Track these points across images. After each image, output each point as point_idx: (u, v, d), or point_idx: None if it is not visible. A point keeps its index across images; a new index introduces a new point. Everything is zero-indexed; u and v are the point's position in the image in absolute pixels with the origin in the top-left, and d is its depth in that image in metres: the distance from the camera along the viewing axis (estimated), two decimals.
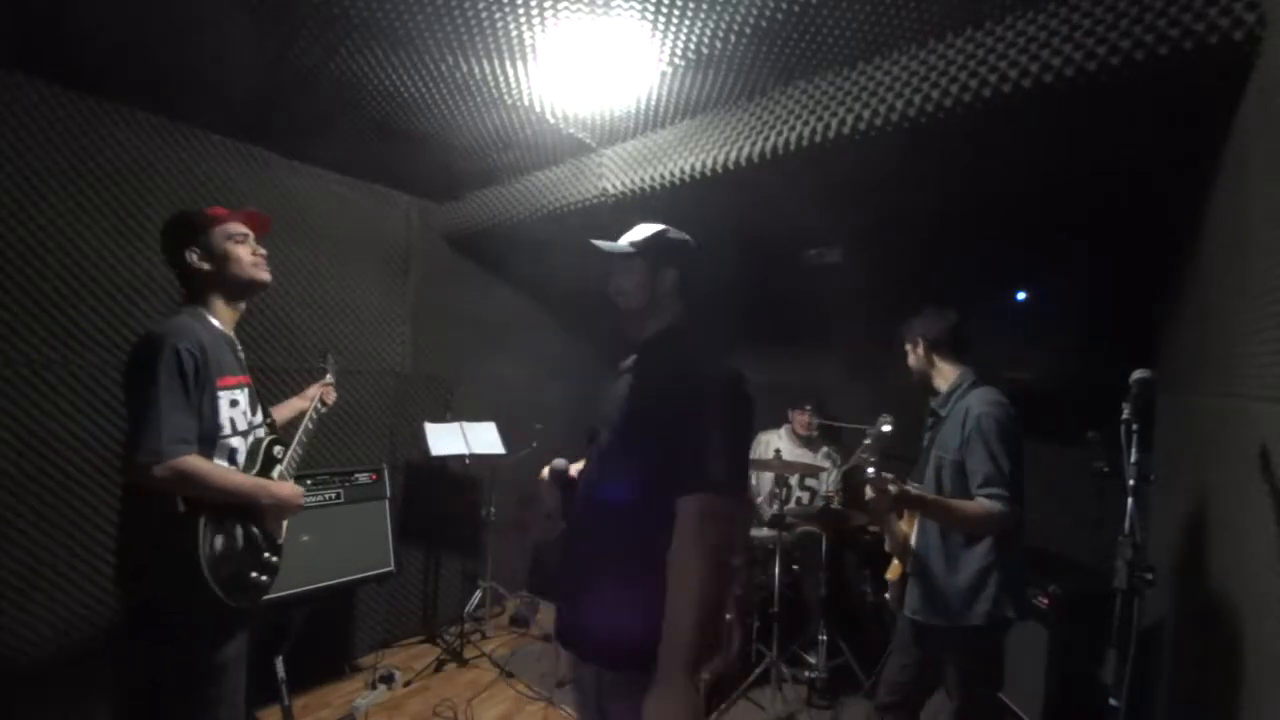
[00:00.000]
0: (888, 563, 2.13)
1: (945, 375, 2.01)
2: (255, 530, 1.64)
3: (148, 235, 2.47)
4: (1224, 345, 1.66)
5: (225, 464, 1.59)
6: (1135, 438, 1.37)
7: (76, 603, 2.31)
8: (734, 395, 1.28)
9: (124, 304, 2.44)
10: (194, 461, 1.46)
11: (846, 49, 1.96)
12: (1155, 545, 2.19)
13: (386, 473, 3.09)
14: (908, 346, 2.09)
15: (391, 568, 2.99)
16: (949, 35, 1.83)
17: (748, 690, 2.85)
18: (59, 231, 2.29)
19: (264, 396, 2.72)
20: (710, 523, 1.16)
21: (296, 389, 2.37)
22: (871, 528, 3.17)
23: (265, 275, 1.69)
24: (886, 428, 1.97)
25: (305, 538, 2.65)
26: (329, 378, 2.21)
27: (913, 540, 1.96)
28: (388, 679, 2.91)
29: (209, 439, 1.54)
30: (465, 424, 3.42)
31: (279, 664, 2.49)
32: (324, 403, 2.11)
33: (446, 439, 3.28)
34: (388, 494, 3.06)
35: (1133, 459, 1.36)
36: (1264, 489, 1.31)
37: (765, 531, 3.22)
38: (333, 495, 2.83)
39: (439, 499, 3.60)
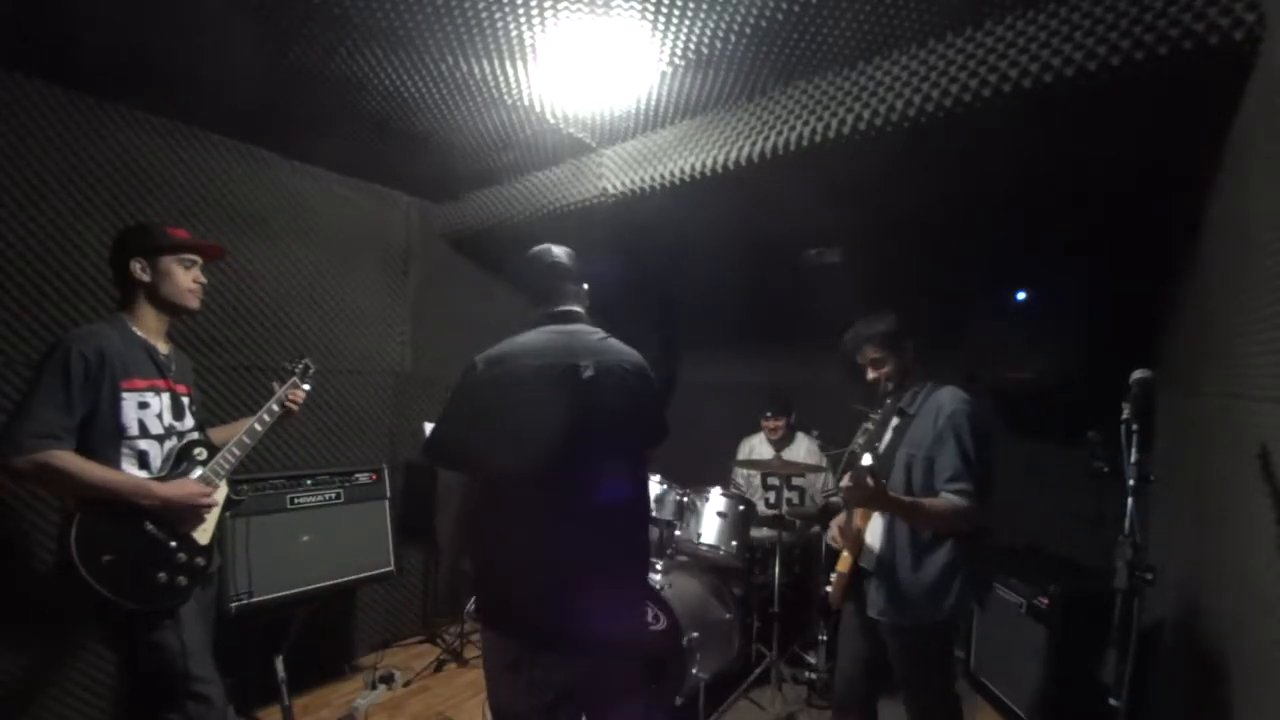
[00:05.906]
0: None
1: (913, 374, 1.96)
2: (156, 530, 1.61)
3: None
4: (1224, 345, 1.66)
5: (134, 467, 1.62)
6: (1135, 438, 1.36)
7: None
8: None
9: None
10: (59, 456, 1.47)
11: (846, 49, 1.96)
12: (1155, 545, 2.19)
13: (386, 473, 3.08)
14: (883, 354, 1.95)
15: (391, 568, 2.98)
16: (949, 35, 1.83)
17: (748, 690, 2.84)
18: (59, 231, 2.29)
19: (262, 395, 2.75)
20: None
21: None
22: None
23: (194, 303, 1.79)
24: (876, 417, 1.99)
25: (305, 538, 2.65)
26: (294, 379, 2.06)
27: (875, 539, 1.90)
28: (388, 679, 2.91)
29: (110, 439, 1.57)
30: None
31: (279, 664, 2.49)
32: (285, 404, 1.98)
33: None
34: (388, 494, 3.06)
35: (1133, 459, 1.35)
36: (1264, 488, 1.31)
37: (765, 531, 3.22)
38: (333, 495, 2.83)
39: (439, 499, 3.60)
